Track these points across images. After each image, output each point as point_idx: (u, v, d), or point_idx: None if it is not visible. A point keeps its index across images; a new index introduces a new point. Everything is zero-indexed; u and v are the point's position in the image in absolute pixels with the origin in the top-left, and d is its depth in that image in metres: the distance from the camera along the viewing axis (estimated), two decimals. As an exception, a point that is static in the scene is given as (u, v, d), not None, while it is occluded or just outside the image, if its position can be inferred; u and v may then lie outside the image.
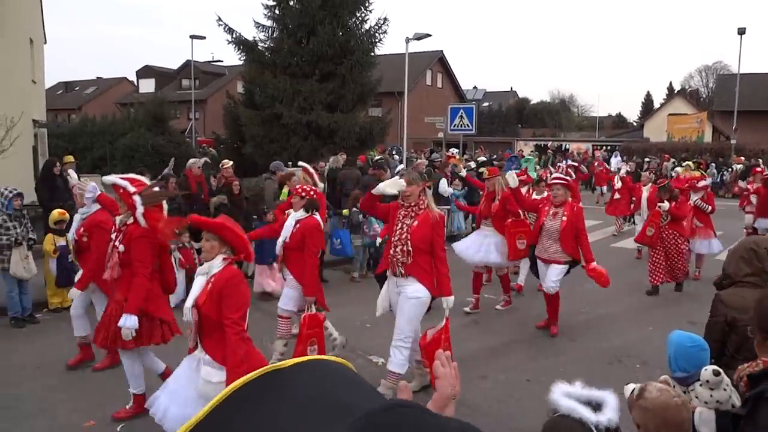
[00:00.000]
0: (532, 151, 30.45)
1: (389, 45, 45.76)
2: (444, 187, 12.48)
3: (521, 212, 7.96)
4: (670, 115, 38.85)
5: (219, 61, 49.56)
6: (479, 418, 4.94)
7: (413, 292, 5.15)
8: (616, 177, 14.33)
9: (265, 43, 20.03)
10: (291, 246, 5.84)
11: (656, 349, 5.95)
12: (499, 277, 8.35)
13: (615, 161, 26.31)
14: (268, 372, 1.01)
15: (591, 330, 7.32)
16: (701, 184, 10.36)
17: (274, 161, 11.40)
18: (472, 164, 16.61)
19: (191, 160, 9.91)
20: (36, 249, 7.66)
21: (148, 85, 47.44)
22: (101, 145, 24.63)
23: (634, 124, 59.48)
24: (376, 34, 19.97)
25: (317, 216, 5.98)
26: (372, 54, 20.02)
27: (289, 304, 5.97)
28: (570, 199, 7.16)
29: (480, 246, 7.92)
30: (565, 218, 6.84)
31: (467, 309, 7.94)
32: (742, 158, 25.08)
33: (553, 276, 6.95)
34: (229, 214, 8.53)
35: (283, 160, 16.59)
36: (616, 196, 13.86)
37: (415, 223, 5.09)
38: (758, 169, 13.73)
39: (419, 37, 17.03)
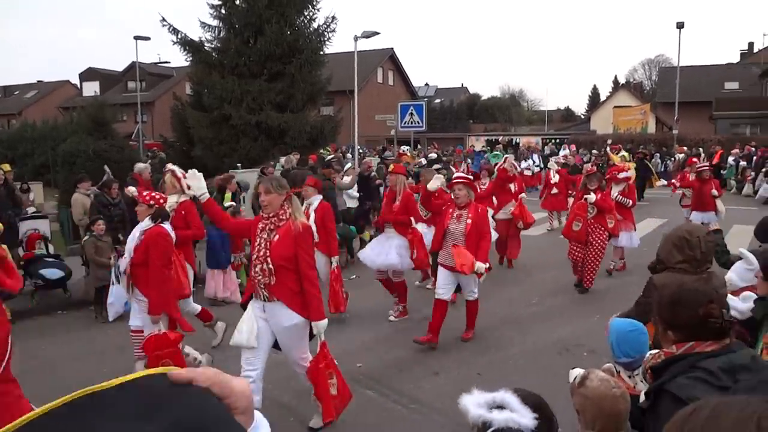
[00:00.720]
0: (483, 146, 30.83)
1: (339, 43, 45.86)
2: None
3: (412, 219, 7.47)
4: (615, 107, 39.91)
5: (166, 62, 48.65)
6: (432, 416, 4.98)
7: (287, 320, 4.43)
8: (551, 171, 14.02)
9: (211, 44, 19.68)
10: (136, 261, 5.22)
11: (603, 338, 6.02)
12: (395, 283, 7.68)
13: (562, 154, 26.71)
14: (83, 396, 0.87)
15: (540, 321, 7.44)
16: (622, 175, 9.93)
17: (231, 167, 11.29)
18: (423, 161, 16.71)
19: (139, 165, 9.67)
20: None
21: (92, 88, 46.04)
22: (42, 151, 23.85)
23: (582, 117, 60.87)
24: (325, 33, 19.85)
25: (166, 225, 5.37)
26: (321, 53, 19.90)
27: (137, 320, 5.42)
28: (473, 199, 6.66)
29: (381, 248, 7.51)
30: (469, 221, 6.34)
31: (392, 317, 7.60)
32: (684, 148, 25.93)
33: (469, 286, 6.59)
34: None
35: (234, 161, 16.42)
36: (554, 190, 13.48)
37: (276, 237, 4.33)
38: (693, 159, 13.85)
39: (368, 35, 17.00)
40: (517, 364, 6.12)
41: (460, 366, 6.08)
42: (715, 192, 10.50)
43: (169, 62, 48.92)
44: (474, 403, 2.19)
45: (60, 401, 0.87)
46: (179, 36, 19.30)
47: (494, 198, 10.08)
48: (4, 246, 7.27)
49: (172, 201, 6.41)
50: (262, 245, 4.36)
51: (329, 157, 15.84)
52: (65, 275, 8.22)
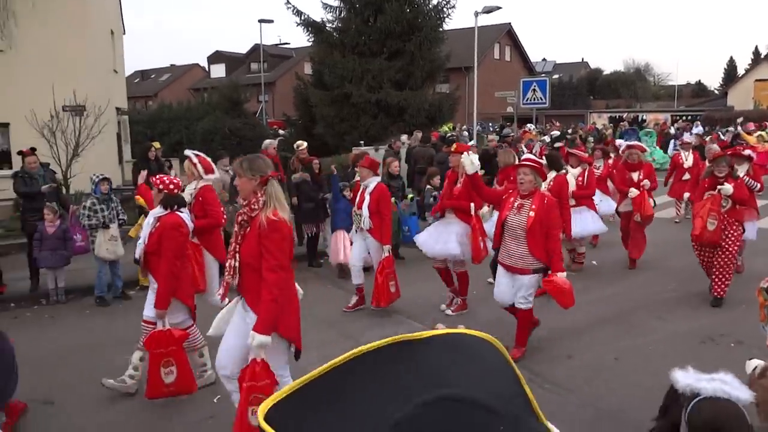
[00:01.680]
0: (605, 124, 29.41)
1: (456, 19, 45.17)
2: (517, 162, 12.27)
3: (472, 206, 6.65)
4: (757, 80, 36.61)
5: (286, 43, 50.36)
6: (565, 396, 4.88)
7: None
8: (681, 153, 12.19)
9: (332, 24, 20.13)
10: (150, 249, 4.88)
11: (751, 328, 5.67)
12: (455, 274, 7.01)
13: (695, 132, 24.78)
14: (398, 342, 1.03)
15: (680, 308, 7.04)
16: (746, 152, 8.50)
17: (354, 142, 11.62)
18: (546, 138, 16.22)
19: (266, 141, 10.11)
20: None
21: (219, 70, 48.70)
22: (177, 129, 25.57)
23: (716, 92, 56.37)
24: (444, 9, 19.70)
25: (183, 213, 4.99)
26: (440, 30, 19.77)
27: (150, 310, 4.93)
28: (542, 186, 5.74)
29: (440, 235, 6.85)
30: (532, 213, 5.38)
31: (449, 311, 6.98)
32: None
33: (523, 290, 5.58)
34: (310, 191, 8.76)
35: (354, 139, 16.80)
36: (685, 176, 11.53)
37: (249, 230, 3.76)
38: None
39: (489, 10, 16.67)
40: (657, 350, 5.84)
41: (594, 350, 5.90)
42: None
43: (289, 43, 50.63)
44: (685, 375, 2.14)
45: (380, 343, 1.00)
46: (302, 17, 19.89)
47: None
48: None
49: (190, 188, 6.25)
50: (236, 238, 3.82)
51: (449, 135, 15.82)
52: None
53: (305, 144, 10.53)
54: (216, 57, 51.54)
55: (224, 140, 13.14)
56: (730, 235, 6.91)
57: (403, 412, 0.89)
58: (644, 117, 32.17)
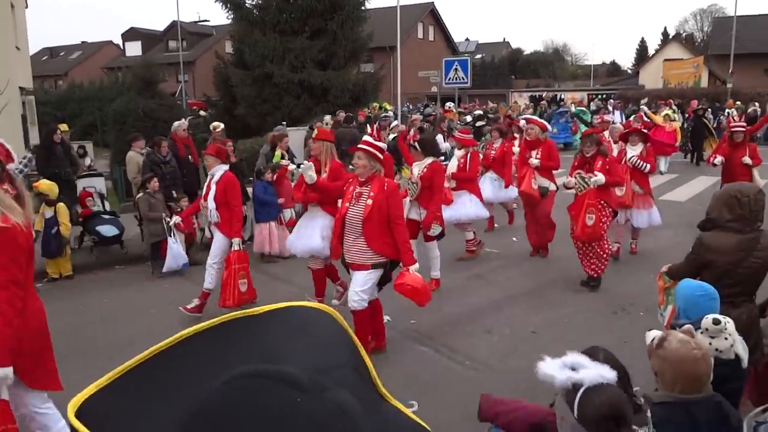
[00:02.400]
0: (526, 103, 30.14)
1: (378, -2, 44.91)
2: (441, 142, 12.36)
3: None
4: (665, 60, 38.43)
5: (206, 20, 48.76)
6: (485, 373, 4.99)
7: None
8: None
9: (252, 1, 19.56)
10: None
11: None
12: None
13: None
14: (239, 318, 1.00)
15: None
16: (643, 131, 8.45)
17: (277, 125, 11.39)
18: (468, 118, 16.44)
19: (176, 123, 9.72)
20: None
21: (134, 48, 46.54)
22: (90, 111, 24.34)
23: (629, 71, 58.81)
24: (366, -13, 19.51)
25: None
26: (362, 8, 19.60)
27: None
28: (382, 172, 5.09)
29: (304, 231, 6.32)
30: (370, 201, 4.84)
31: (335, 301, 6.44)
32: (738, 102, 24.86)
33: (355, 285, 4.99)
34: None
35: (277, 120, 16.47)
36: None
37: None
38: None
39: (410, -12, 16.60)
40: (572, 322, 6.06)
41: (513, 324, 6.05)
42: (747, 159, 8.69)
43: (209, 21, 49.01)
44: (555, 368, 2.16)
45: (217, 320, 0.96)
46: (220, -8, 19.22)
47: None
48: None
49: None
50: None
51: (384, 115, 15.74)
52: (120, 232, 8.44)
53: (222, 125, 10.25)
54: (131, 34, 49.21)
55: (138, 122, 12.57)
56: (599, 218, 6.66)
57: (206, 393, 0.86)
58: (562, 96, 33.15)
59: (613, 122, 13.26)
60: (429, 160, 6.90)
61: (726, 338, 2.92)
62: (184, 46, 39.20)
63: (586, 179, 6.72)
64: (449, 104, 15.73)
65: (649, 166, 8.02)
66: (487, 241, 8.80)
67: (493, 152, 9.49)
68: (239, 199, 6.43)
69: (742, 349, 2.95)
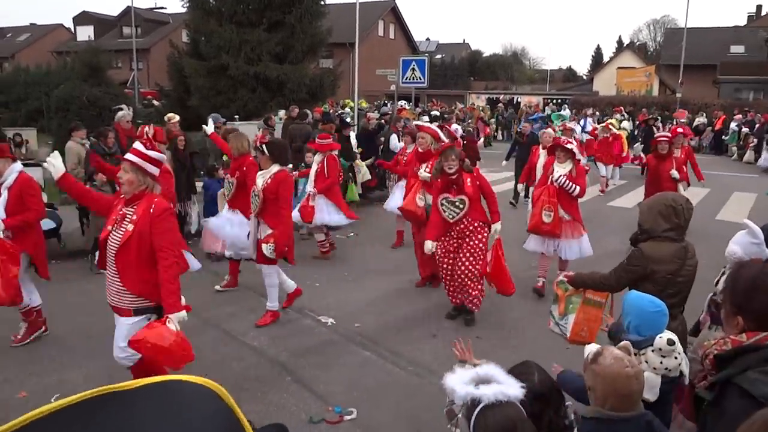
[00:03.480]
0: (485, 105, 30.41)
1: (340, -7, 44.66)
2: (395, 142, 12.31)
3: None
4: (619, 68, 39.30)
5: (162, 8, 47.53)
6: (429, 378, 4.94)
7: None
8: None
9: (209, -11, 19.10)
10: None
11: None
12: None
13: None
14: (106, 393, 0.84)
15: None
16: (570, 146, 6.94)
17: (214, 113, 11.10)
18: (426, 118, 16.45)
19: (119, 113, 9.36)
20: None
21: (86, 33, 44.98)
22: (36, 96, 23.40)
23: (585, 77, 60.05)
24: (326, -18, 19.30)
25: None
26: (322, 3, 19.37)
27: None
28: (155, 189, 4.14)
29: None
30: (131, 226, 3.86)
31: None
32: (685, 112, 25.62)
33: (119, 339, 4.04)
34: (173, 169, 8.24)
35: (231, 113, 16.13)
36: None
37: None
38: (678, 130, 10.48)
39: (370, -15, 16.48)
40: (516, 327, 6.09)
41: (459, 329, 6.03)
42: (675, 173, 8.61)
43: (165, 8, 47.83)
44: (459, 381, 2.13)
45: (77, 397, 0.80)
46: (176, -20, 18.72)
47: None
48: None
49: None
50: None
51: (340, 112, 15.58)
52: (57, 225, 8.09)
53: (177, 117, 9.92)
54: (83, 18, 47.62)
55: (81, 110, 12.08)
56: (473, 239, 5.95)
57: None
58: (519, 99, 33.62)
59: (574, 130, 12.72)
60: (275, 168, 5.83)
61: (675, 357, 2.91)
62: (139, 33, 38.18)
63: (456, 203, 5.86)
64: (402, 103, 15.65)
65: (578, 188, 6.77)
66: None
67: (404, 158, 8.40)
68: (39, 202, 5.40)
69: (686, 366, 2.97)
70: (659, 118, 24.14)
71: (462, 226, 5.97)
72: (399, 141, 12.40)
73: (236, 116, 14.72)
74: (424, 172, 6.87)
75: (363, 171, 10.29)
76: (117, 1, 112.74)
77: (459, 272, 5.99)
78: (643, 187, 10.96)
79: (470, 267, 5.95)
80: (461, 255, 6.00)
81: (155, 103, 23.22)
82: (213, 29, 18.29)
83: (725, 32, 42.66)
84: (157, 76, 30.27)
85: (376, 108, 24.17)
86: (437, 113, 17.82)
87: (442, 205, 5.95)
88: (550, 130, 10.08)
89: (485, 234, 6.05)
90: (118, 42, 39.74)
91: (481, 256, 5.97)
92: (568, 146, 6.91)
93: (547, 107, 30.51)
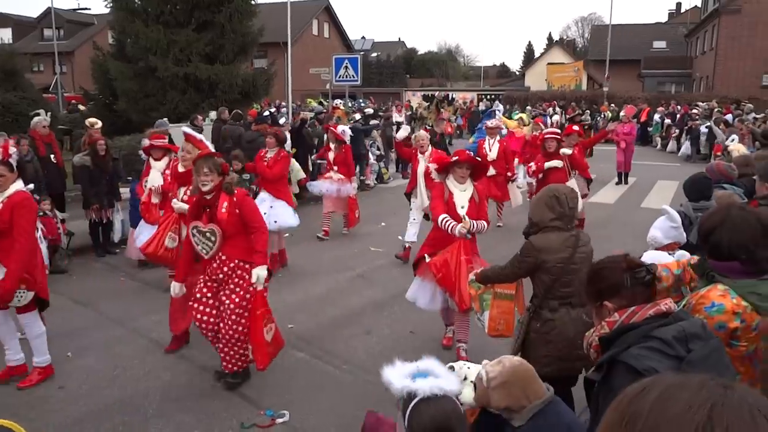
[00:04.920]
0: (419, 103, 30.64)
1: (272, -7, 44.13)
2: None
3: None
4: (549, 64, 40.40)
5: (86, 9, 45.86)
6: (362, 376, 4.92)
7: None
8: (487, 141, 9.96)
9: (134, -12, 18.49)
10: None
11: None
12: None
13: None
14: None
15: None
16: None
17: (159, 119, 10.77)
18: (358, 116, 16.45)
19: (35, 119, 8.95)
20: None
21: (3, 35, 42.83)
22: (-50, 102, 22.09)
23: (517, 73, 61.45)
24: (256, -19, 18.99)
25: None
26: (252, 2, 19.06)
27: None
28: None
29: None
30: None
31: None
32: (612, 105, 26.55)
33: None
34: (92, 176, 7.94)
35: (161, 115, 15.66)
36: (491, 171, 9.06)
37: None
38: (573, 127, 10.18)
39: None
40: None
41: (393, 324, 6.05)
42: (566, 150, 8.15)
43: (89, 9, 46.19)
44: (396, 374, 2.12)
45: None
46: (98, -21, 18.05)
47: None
48: None
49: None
50: None
51: (266, 113, 15.36)
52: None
53: (99, 123, 9.55)
54: (0, 20, 45.34)
55: (-4, 116, 11.52)
56: (230, 285, 4.64)
57: None
58: (453, 96, 34.05)
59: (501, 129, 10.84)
60: (14, 188, 4.64)
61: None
62: (61, 35, 36.72)
63: (207, 233, 4.56)
64: (337, 101, 15.60)
65: (484, 225, 5.05)
66: (370, 241, 8.80)
67: (265, 161, 7.94)
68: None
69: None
70: (587, 110, 24.98)
71: (215, 265, 4.63)
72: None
73: (165, 119, 14.29)
74: (179, 201, 5.39)
75: (296, 170, 10.21)
76: (37, 2, 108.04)
77: (224, 330, 4.60)
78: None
79: (232, 325, 4.56)
80: (222, 307, 4.63)
81: (81, 107, 22.31)
82: (139, 30, 17.69)
83: (648, 29, 44.53)
84: (82, 80, 29.12)
85: (310, 109, 24.01)
86: (371, 111, 17.83)
87: (193, 235, 4.62)
88: (422, 131, 8.89)
89: (247, 279, 4.60)
90: (39, 45, 38.10)
91: (245, 310, 4.59)
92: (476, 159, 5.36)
93: (481, 103, 31.01)
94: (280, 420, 4.30)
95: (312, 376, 4.98)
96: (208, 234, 4.55)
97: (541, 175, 8.05)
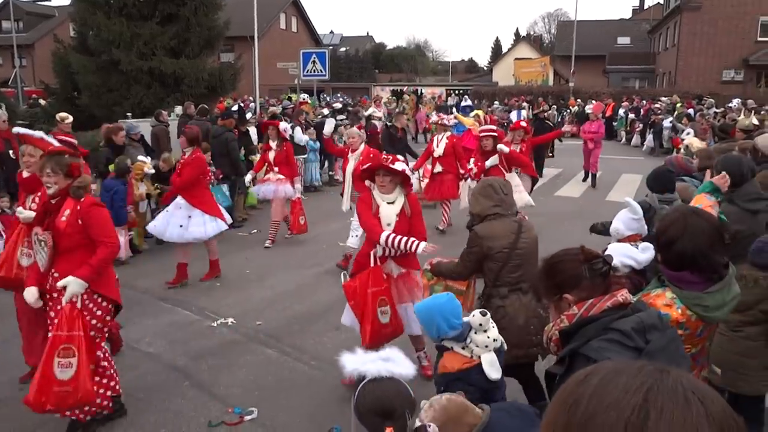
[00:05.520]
0: (389, 97, 30.63)
1: (239, -14, 43.59)
2: (299, 135, 12.19)
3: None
4: (516, 59, 40.75)
5: (46, 0, 44.64)
6: (331, 372, 4.92)
7: None
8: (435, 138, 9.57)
9: (95, -21, 18.05)
10: None
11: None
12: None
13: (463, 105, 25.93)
14: None
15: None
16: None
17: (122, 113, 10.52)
18: (325, 111, 16.38)
19: None
20: None
21: (-40, 28, 41.58)
22: None
23: (485, 68, 61.88)
24: (221, -26, 18.73)
25: None
26: (218, -6, 18.80)
27: None
28: None
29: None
30: None
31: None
32: (579, 100, 26.96)
33: None
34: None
35: (125, 110, 15.39)
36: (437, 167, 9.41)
37: None
38: (521, 123, 9.84)
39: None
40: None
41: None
42: (503, 147, 7.73)
43: (50, 0, 44.96)
44: (353, 359, 2.16)
45: None
46: (58, -30, 17.60)
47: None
48: None
49: None
50: None
51: (234, 108, 15.19)
52: None
53: (70, 117, 9.35)
54: (-45, 11, 43.92)
55: (-52, 111, 11.13)
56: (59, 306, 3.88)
57: None
58: (422, 91, 34.12)
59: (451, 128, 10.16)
60: None
61: (493, 326, 3.07)
62: (21, 27, 35.72)
63: (42, 242, 3.89)
64: (304, 96, 15.50)
65: (419, 244, 4.23)
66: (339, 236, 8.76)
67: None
68: None
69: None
70: (554, 105, 25.24)
71: (51, 283, 3.95)
72: (303, 134, 12.33)
73: (128, 114, 14.05)
74: (25, 210, 4.35)
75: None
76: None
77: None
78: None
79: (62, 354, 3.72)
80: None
81: (42, 102, 21.76)
82: (101, 22, 17.30)
83: (612, 25, 45.23)
84: (42, 74, 28.42)
85: (279, 102, 23.80)
86: (339, 105, 17.78)
87: (34, 243, 4.01)
88: (354, 128, 8.28)
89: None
90: (-3, 37, 36.98)
91: (80, 338, 3.77)
92: (397, 165, 4.33)
93: (449, 98, 31.14)
94: (248, 417, 4.28)
95: (281, 373, 4.96)
96: (42, 242, 3.89)
97: (483, 176, 7.23)
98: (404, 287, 4.56)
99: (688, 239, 2.38)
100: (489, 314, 3.04)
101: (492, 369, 2.92)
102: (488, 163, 7.75)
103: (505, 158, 7.80)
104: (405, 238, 4.24)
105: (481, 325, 3.01)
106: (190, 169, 6.81)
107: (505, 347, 3.15)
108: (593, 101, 26.20)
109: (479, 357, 3.00)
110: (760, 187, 4.24)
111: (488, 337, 3.01)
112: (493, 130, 8.14)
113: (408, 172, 4.45)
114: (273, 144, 8.59)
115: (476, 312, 3.02)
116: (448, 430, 2.25)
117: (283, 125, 8.94)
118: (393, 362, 2.12)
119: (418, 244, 4.22)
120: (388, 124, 11.73)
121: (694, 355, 2.49)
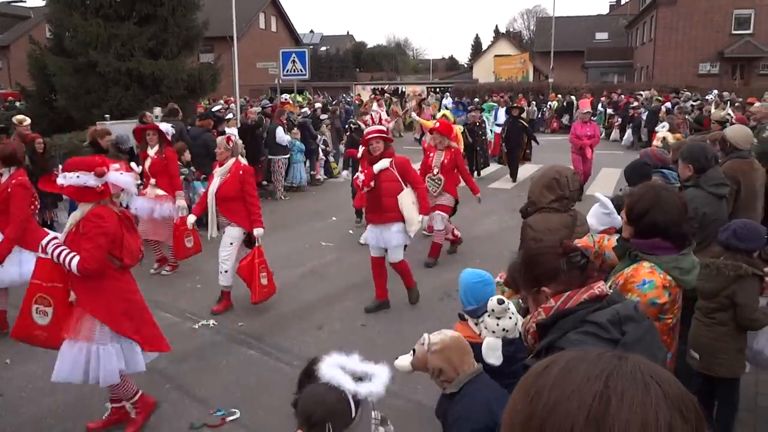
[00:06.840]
0: (371, 96, 30.58)
1: (217, -15, 43.28)
2: (281, 135, 12.16)
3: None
4: (496, 56, 40.88)
5: (21, 1, 44.06)
6: (314, 370, 4.92)
7: None
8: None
9: (70, -20, 17.82)
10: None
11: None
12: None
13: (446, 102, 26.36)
14: None
15: (423, 269, 7.50)
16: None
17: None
18: (308, 110, 16.34)
19: None
20: None
21: (-68, 30, 40.89)
22: None
23: (465, 65, 62.08)
24: (199, -27, 18.59)
25: None
26: (196, -6, 18.65)
27: None
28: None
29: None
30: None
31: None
32: (559, 96, 27.13)
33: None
34: (30, 174, 7.65)
35: (103, 112, 15.22)
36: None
37: None
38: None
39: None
40: (401, 312, 6.19)
41: (344, 318, 6.06)
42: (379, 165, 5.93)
43: (25, 1, 44.34)
44: (331, 361, 2.24)
45: None
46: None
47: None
48: None
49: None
50: None
51: (215, 109, 15.09)
52: None
53: (28, 120, 9.19)
54: (-72, 14, 43.16)
55: None
56: None
57: None
58: (404, 89, 34.15)
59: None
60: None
61: (510, 317, 3.10)
62: (-5, 29, 35.14)
63: None
64: (285, 96, 15.45)
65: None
66: (321, 236, 8.77)
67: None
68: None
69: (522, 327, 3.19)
70: (533, 102, 25.31)
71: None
72: (285, 133, 12.29)
73: (106, 116, 13.91)
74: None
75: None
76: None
77: None
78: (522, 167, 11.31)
79: None
80: None
81: (18, 104, 21.45)
82: (77, 23, 17.09)
83: (590, 20, 45.66)
84: (18, 76, 28.05)
85: (259, 102, 23.70)
86: (320, 105, 17.75)
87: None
88: (223, 139, 6.27)
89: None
90: (-29, 40, 36.43)
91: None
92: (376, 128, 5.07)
93: (430, 96, 31.18)
94: (230, 418, 4.27)
95: (263, 373, 4.95)
96: None
97: (372, 184, 5.89)
98: None
99: (660, 211, 2.49)
100: (507, 305, 3.09)
101: (490, 353, 2.96)
102: (376, 167, 5.89)
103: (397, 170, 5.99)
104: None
105: (494, 311, 3.08)
106: (13, 200, 5.33)
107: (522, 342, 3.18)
108: (573, 96, 26.39)
109: (484, 338, 3.11)
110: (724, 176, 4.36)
111: (497, 325, 3.07)
112: (381, 131, 6.27)
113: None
114: (150, 150, 7.23)
115: (494, 298, 3.10)
116: (447, 356, 2.62)
117: (164, 126, 8.02)
118: (364, 381, 2.20)
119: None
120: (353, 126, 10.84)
121: (672, 327, 2.58)
